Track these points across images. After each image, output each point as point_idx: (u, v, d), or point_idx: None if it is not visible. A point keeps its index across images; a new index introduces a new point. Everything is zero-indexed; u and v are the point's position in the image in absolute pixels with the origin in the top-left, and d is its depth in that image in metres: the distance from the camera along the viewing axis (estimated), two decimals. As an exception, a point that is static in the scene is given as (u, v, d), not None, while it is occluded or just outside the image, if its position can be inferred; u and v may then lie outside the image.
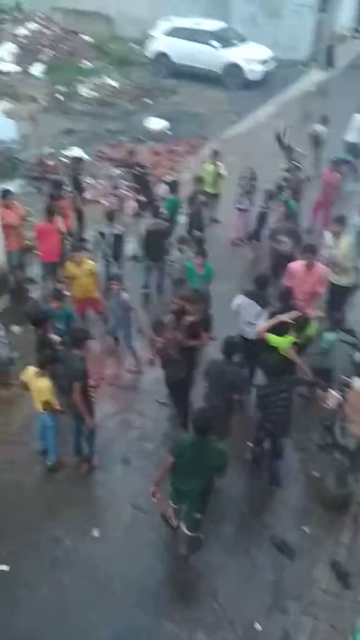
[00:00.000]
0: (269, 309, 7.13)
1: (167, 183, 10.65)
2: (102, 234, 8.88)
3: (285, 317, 6.62)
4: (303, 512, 6.38)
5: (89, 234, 9.93)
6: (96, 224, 9.51)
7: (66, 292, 8.25)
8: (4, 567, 5.68)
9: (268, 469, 6.62)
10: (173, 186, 10.08)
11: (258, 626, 5.35)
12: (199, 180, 10.24)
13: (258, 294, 7.18)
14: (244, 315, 7.16)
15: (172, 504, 5.73)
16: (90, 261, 8.15)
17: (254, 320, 7.03)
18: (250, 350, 7.02)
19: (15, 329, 8.47)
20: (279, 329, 6.64)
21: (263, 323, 6.86)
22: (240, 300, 7.19)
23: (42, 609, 5.38)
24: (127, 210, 10.85)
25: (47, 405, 6.22)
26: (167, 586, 5.65)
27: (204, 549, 5.89)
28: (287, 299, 6.98)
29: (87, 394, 6.27)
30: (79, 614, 5.35)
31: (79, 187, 10.21)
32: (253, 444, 6.60)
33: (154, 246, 9.10)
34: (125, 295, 7.59)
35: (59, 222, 8.93)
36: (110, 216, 8.93)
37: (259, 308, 7.04)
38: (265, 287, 7.35)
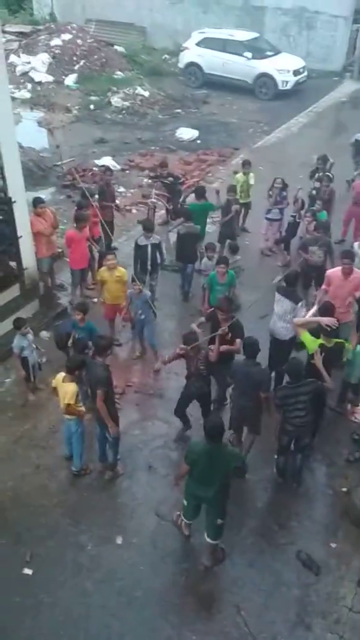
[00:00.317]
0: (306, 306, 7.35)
1: (193, 190, 10.66)
2: (138, 246, 8.78)
3: (325, 321, 6.57)
4: (330, 527, 6.25)
5: (118, 243, 10.01)
6: (126, 232, 9.58)
7: (94, 300, 8.36)
8: (28, 571, 5.69)
9: (292, 475, 6.57)
10: (199, 192, 10.08)
11: (282, 642, 5.25)
12: (232, 189, 10.23)
13: (290, 290, 7.35)
14: (278, 311, 7.30)
15: (184, 519, 5.79)
16: (121, 268, 8.20)
17: (288, 314, 7.15)
18: (279, 349, 7.18)
19: (44, 334, 8.57)
20: (313, 331, 6.65)
21: (300, 317, 6.97)
22: (276, 297, 7.39)
23: (64, 615, 5.37)
24: (156, 219, 10.91)
25: (70, 409, 6.23)
26: (191, 597, 5.57)
27: (228, 562, 5.83)
28: (327, 313, 6.88)
29: (110, 401, 6.28)
30: (101, 622, 5.33)
31: (108, 196, 10.28)
32: (277, 455, 6.53)
33: (186, 249, 9.30)
34: (147, 294, 7.96)
35: (88, 231, 9.03)
36: (148, 226, 8.84)
37: (293, 304, 7.17)
38: (295, 283, 7.53)
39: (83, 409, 6.39)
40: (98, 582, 5.62)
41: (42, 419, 7.30)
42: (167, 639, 5.24)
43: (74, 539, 6.01)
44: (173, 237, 10.14)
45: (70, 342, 6.88)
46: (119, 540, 6.00)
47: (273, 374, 7.19)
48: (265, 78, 18.96)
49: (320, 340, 6.56)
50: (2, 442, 7.03)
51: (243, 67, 19.03)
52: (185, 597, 5.57)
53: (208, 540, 5.63)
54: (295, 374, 6.16)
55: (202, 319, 7.24)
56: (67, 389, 6.21)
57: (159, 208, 11.14)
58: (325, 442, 6.91)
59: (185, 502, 5.71)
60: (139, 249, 8.71)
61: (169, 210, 11.16)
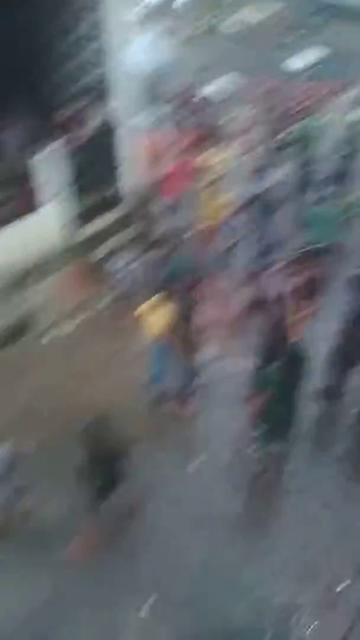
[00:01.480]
0: None
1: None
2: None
3: None
4: None
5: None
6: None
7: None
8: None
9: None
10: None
11: (346, 583, 5.31)
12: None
13: None
14: None
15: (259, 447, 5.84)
16: (225, 193, 8.20)
17: None
18: None
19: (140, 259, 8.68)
20: None
21: None
22: None
23: (137, 532, 5.66)
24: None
25: (159, 335, 6.35)
26: (259, 529, 5.74)
27: (301, 499, 5.92)
28: None
29: (193, 334, 6.28)
30: (166, 542, 5.59)
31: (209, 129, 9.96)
32: None
33: None
34: (235, 221, 7.95)
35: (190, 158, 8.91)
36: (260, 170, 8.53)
37: None
38: None
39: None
40: (169, 505, 5.85)
41: (135, 340, 7.52)
42: (231, 560, 5.45)
43: (149, 459, 6.21)
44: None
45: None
46: (193, 467, 6.20)
47: None
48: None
49: None
50: (95, 357, 7.34)
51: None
52: (254, 528, 5.74)
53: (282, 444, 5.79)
54: None
55: None
56: (157, 315, 6.30)
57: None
58: None
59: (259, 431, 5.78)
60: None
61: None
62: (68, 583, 5.27)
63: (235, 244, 8.16)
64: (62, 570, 5.34)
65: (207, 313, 7.77)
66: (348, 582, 5.30)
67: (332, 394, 6.72)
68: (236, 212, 7.91)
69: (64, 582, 5.28)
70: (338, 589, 5.27)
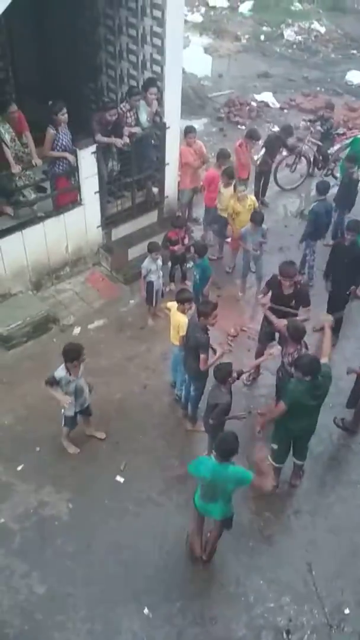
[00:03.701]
0: None
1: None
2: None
3: None
4: None
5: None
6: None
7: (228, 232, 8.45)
8: (120, 479, 6.11)
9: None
10: None
11: (347, 610, 5.24)
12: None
13: None
14: None
15: (274, 463, 5.83)
16: (251, 196, 8.40)
17: None
18: None
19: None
20: None
21: None
22: None
23: (144, 526, 5.72)
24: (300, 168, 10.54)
25: (182, 339, 6.34)
26: (265, 544, 5.69)
27: (309, 522, 5.84)
28: None
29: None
30: (177, 541, 5.60)
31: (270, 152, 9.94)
32: None
33: None
34: (265, 227, 7.98)
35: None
36: (322, 188, 8.27)
37: None
38: None
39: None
40: (180, 506, 5.88)
41: (157, 344, 7.57)
42: (235, 574, 5.44)
43: (165, 459, 6.32)
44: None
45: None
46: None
47: None
48: None
49: None
50: (117, 357, 7.44)
51: None
52: (259, 541, 5.70)
53: (297, 462, 5.99)
54: None
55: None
56: (179, 320, 6.31)
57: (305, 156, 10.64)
58: None
59: (275, 446, 5.80)
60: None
61: (315, 161, 10.63)
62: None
63: (260, 256, 8.09)
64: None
65: (226, 323, 7.76)
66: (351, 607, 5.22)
67: (352, 423, 6.65)
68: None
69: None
70: (342, 614, 5.18)
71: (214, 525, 5.24)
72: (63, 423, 6.11)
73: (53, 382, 5.68)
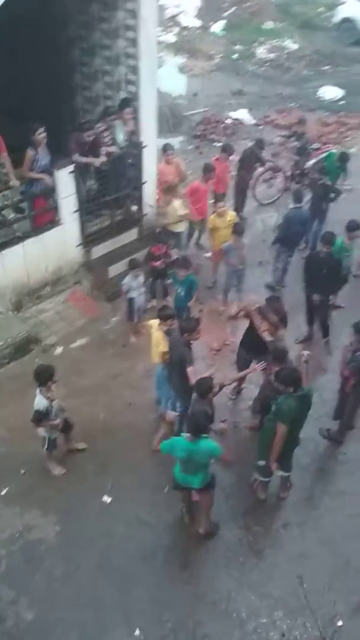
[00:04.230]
0: None
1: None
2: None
3: None
4: None
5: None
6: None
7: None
8: (107, 499, 6.03)
9: None
10: (343, 158, 9.55)
11: (340, 622, 5.20)
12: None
13: None
14: None
15: (262, 478, 5.88)
16: (231, 212, 8.55)
17: None
18: None
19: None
20: None
21: None
22: None
23: (134, 549, 5.62)
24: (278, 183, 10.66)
25: (163, 356, 6.33)
26: (254, 558, 5.65)
27: (298, 534, 5.82)
28: None
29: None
30: (170, 562, 5.55)
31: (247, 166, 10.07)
32: None
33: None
34: (243, 242, 8.10)
35: (211, 184, 9.00)
36: (298, 196, 8.46)
37: None
38: None
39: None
40: (170, 526, 5.83)
41: (140, 361, 7.54)
42: (226, 591, 5.37)
43: (154, 478, 6.25)
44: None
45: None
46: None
47: None
48: None
49: None
50: (100, 376, 7.40)
51: None
52: (249, 556, 5.65)
53: (283, 474, 5.92)
54: None
55: None
56: (159, 336, 6.27)
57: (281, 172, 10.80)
58: None
59: (262, 463, 5.77)
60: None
61: (293, 175, 10.78)
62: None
63: (242, 270, 8.17)
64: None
65: (209, 338, 7.78)
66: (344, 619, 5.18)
67: (338, 433, 6.68)
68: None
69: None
70: (335, 626, 5.14)
71: (200, 497, 5.46)
72: (45, 447, 6.03)
73: (41, 418, 5.59)
